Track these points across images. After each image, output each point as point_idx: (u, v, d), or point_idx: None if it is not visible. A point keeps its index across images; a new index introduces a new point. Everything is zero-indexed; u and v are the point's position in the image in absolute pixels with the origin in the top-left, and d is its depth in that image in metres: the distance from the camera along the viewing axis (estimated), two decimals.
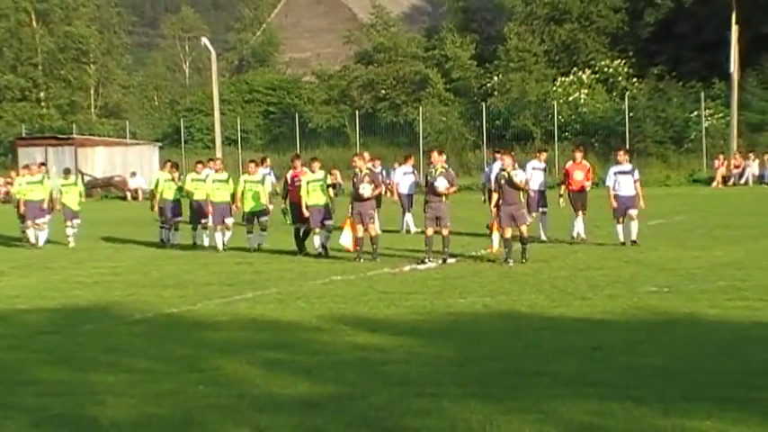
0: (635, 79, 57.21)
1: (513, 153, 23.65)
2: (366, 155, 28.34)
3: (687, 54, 55.73)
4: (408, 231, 25.92)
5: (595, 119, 54.39)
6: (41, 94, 76.28)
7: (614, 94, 56.56)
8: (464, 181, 38.21)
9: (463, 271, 18.18)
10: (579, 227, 22.46)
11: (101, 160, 57.77)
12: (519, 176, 19.30)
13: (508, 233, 19.08)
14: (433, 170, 19.86)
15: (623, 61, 58.27)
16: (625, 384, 9.13)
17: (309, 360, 10.71)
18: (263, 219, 23.47)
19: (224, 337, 12.42)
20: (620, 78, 57.59)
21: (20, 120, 70.62)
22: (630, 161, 22.58)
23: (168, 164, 26.73)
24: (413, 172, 27.53)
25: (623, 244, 21.14)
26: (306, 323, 13.11)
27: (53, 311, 14.98)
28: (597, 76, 57.92)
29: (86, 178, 50.30)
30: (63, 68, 75.90)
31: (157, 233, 25.45)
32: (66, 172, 28.41)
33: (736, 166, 46.40)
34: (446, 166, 20.13)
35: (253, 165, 24.31)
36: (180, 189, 25.21)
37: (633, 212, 21.25)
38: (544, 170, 24.04)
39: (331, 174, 22.42)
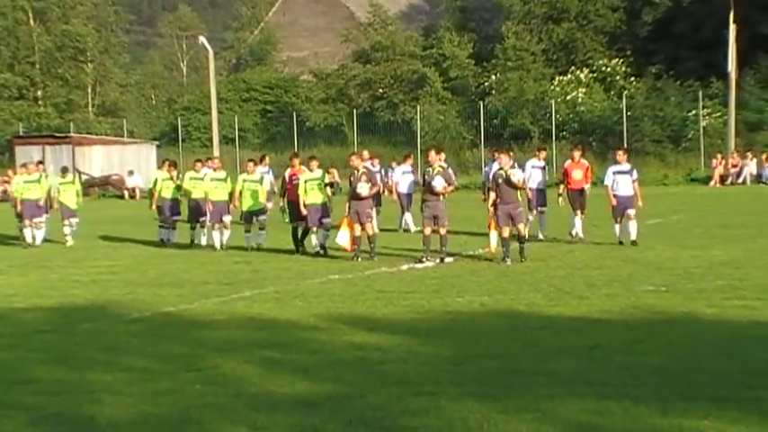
0: (633, 78, 57.19)
1: (511, 152, 23.68)
2: (365, 153, 28.42)
3: (685, 53, 55.73)
4: (408, 231, 25.90)
5: (593, 118, 54.38)
6: (39, 93, 76.23)
7: (612, 93, 56.55)
8: (462, 180, 38.17)
9: (461, 270, 18.17)
10: (577, 226, 22.45)
11: (98, 159, 57.75)
12: (517, 176, 19.29)
13: (506, 232, 19.09)
14: (431, 169, 19.83)
15: (621, 60, 58.25)
16: (623, 383, 9.13)
17: (307, 359, 10.71)
18: (262, 218, 23.46)
19: (221, 335, 12.41)
20: (617, 77, 57.57)
21: (17, 118, 70.56)
22: (628, 160, 22.56)
23: (167, 163, 26.72)
24: (412, 171, 27.54)
25: (621, 243, 21.15)
26: (303, 322, 13.11)
27: (50, 310, 14.98)
28: (595, 75, 57.91)
29: (84, 177, 50.24)
30: (60, 67, 75.84)
31: (157, 233, 25.43)
32: (64, 170, 28.39)
33: (734, 166, 46.41)
34: (444, 165, 20.11)
35: (251, 164, 24.30)
36: (178, 188, 25.21)
37: (631, 212, 21.24)
38: (543, 168, 24.04)
39: (329, 173, 22.42)
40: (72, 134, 60.46)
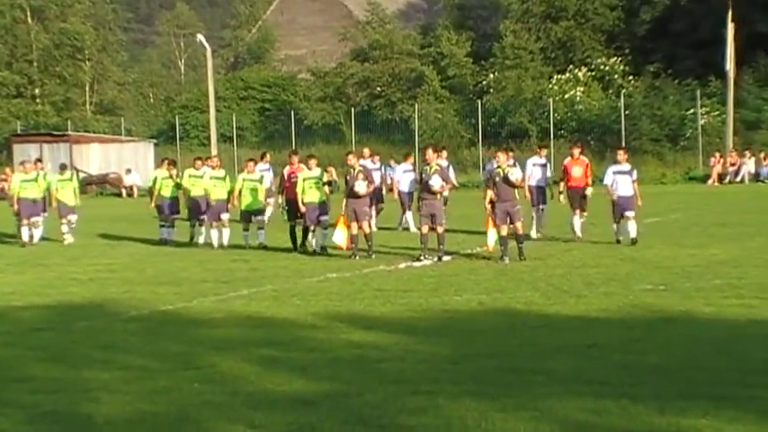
0: (631, 77, 57.19)
1: (512, 151, 23.70)
2: (366, 151, 28.47)
3: (683, 52, 55.72)
4: (407, 229, 25.87)
5: (591, 116, 54.37)
6: (36, 91, 76.17)
7: (610, 91, 56.53)
8: (459, 178, 38.12)
9: (459, 268, 18.17)
10: (576, 226, 22.40)
11: (96, 157, 57.73)
12: (515, 174, 19.28)
13: (504, 230, 19.08)
14: (428, 168, 19.82)
15: (619, 59, 58.24)
16: (621, 382, 9.12)
17: (304, 357, 10.70)
18: (260, 218, 23.43)
19: (219, 334, 12.41)
20: (615, 76, 57.55)
21: (15, 116, 70.54)
22: (627, 159, 22.54)
23: (166, 162, 26.72)
24: (413, 170, 27.54)
25: (618, 242, 21.14)
26: (301, 320, 13.10)
27: (48, 308, 14.96)
28: (593, 73, 57.88)
29: (81, 175, 50.22)
30: (58, 65, 75.79)
31: (159, 232, 25.36)
32: (63, 167, 28.35)
33: (732, 164, 46.44)
34: (442, 164, 20.09)
35: (251, 163, 24.28)
36: (178, 186, 25.21)
37: (630, 214, 21.15)
38: (544, 166, 24.04)
39: (327, 171, 22.41)
40: (70, 132, 60.46)
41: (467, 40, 63.06)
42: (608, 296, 14.27)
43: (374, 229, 22.35)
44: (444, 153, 26.44)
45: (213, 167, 24.58)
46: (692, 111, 50.82)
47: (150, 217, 26.95)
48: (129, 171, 54.53)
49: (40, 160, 32.58)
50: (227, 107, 65.50)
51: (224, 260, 20.81)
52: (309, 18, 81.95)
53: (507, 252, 18.87)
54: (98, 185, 54.72)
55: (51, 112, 73.18)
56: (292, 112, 60.10)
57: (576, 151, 23.42)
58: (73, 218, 26.46)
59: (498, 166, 19.48)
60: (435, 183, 19.49)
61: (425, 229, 19.55)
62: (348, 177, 20.75)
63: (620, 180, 21.48)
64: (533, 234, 22.68)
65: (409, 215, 26.26)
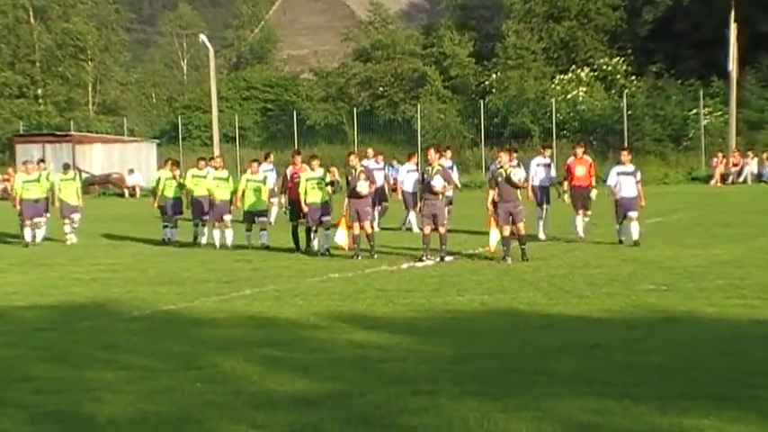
0: (633, 77, 57.17)
1: (517, 151, 23.68)
2: (370, 151, 28.50)
3: (685, 52, 55.70)
4: (410, 230, 25.86)
5: (594, 117, 54.35)
6: (39, 91, 76.19)
7: (613, 91, 56.50)
8: (462, 178, 38.09)
9: (461, 269, 18.17)
10: (579, 226, 22.38)
11: (98, 157, 57.71)
12: (518, 174, 19.27)
13: (506, 231, 19.07)
14: (430, 168, 19.81)
15: (622, 59, 58.24)
16: (623, 382, 9.12)
17: (307, 357, 10.70)
18: (262, 219, 23.40)
19: (221, 334, 12.41)
20: (618, 76, 57.53)
21: (17, 117, 70.54)
22: (630, 160, 22.52)
23: (169, 162, 26.73)
24: (416, 170, 27.53)
25: (621, 242, 21.14)
26: (303, 320, 13.10)
27: (50, 308, 14.97)
28: (596, 73, 57.87)
29: (84, 175, 50.23)
30: (61, 65, 75.81)
31: (162, 233, 25.34)
32: (66, 167, 28.39)
33: (735, 165, 46.38)
34: (444, 164, 20.09)
35: (255, 164, 24.29)
36: (181, 186, 25.22)
37: (633, 215, 21.12)
38: (548, 166, 24.03)
39: (329, 171, 22.43)
40: (72, 132, 60.44)
41: (469, 40, 63.04)
42: (610, 296, 14.27)
43: (376, 229, 22.32)
44: (449, 153, 26.45)
45: (216, 168, 24.59)
46: (694, 111, 50.79)
47: (153, 217, 26.96)
48: (131, 171, 54.53)
49: (43, 160, 32.54)
50: (229, 107, 65.51)
51: (226, 260, 20.82)
52: (312, 18, 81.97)
53: (509, 252, 18.86)
54: (101, 186, 54.71)
55: (54, 113, 73.20)
56: (295, 113, 60.09)
57: (580, 151, 23.42)
58: (76, 217, 26.48)
59: (501, 167, 19.48)
60: (437, 183, 19.49)
61: (427, 229, 19.55)
62: (350, 178, 20.76)
63: (624, 181, 21.46)
64: (541, 235, 22.64)
65: (413, 215, 26.25)
